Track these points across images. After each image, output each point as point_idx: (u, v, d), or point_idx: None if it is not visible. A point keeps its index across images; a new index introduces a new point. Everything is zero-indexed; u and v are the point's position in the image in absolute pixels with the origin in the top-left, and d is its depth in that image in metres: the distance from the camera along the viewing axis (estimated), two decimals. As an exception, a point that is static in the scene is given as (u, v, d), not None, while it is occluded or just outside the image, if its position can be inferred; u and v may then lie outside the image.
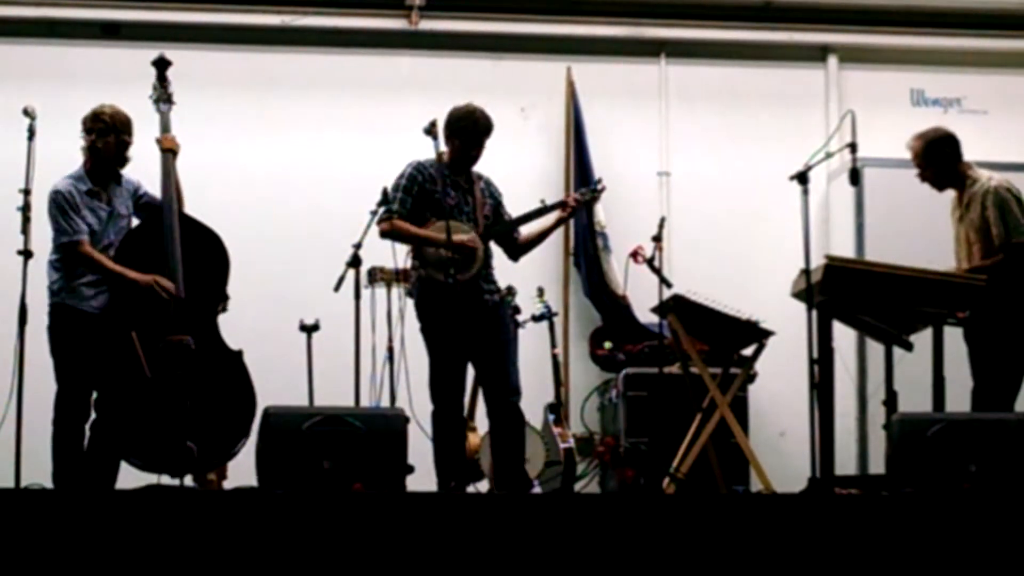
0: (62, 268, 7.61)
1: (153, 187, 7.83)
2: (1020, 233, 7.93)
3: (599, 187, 8.33)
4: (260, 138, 10.07)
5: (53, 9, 9.99)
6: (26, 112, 7.48)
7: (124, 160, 7.78)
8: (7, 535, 5.99)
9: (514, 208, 8.13)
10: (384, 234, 7.86)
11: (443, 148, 7.83)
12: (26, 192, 7.35)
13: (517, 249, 8.22)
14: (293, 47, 10.23)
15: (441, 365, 7.77)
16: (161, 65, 7.97)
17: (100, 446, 7.52)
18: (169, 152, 7.80)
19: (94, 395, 7.56)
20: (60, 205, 7.57)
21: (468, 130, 7.92)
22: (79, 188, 7.63)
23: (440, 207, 7.79)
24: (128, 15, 10.06)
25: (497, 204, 8.09)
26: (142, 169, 7.88)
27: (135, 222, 7.81)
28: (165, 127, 7.89)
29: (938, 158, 8.14)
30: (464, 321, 7.70)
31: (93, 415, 7.55)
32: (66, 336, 7.56)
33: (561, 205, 8.13)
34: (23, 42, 10.02)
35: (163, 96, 7.93)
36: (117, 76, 9.48)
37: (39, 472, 7.32)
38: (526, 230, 8.19)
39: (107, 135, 7.68)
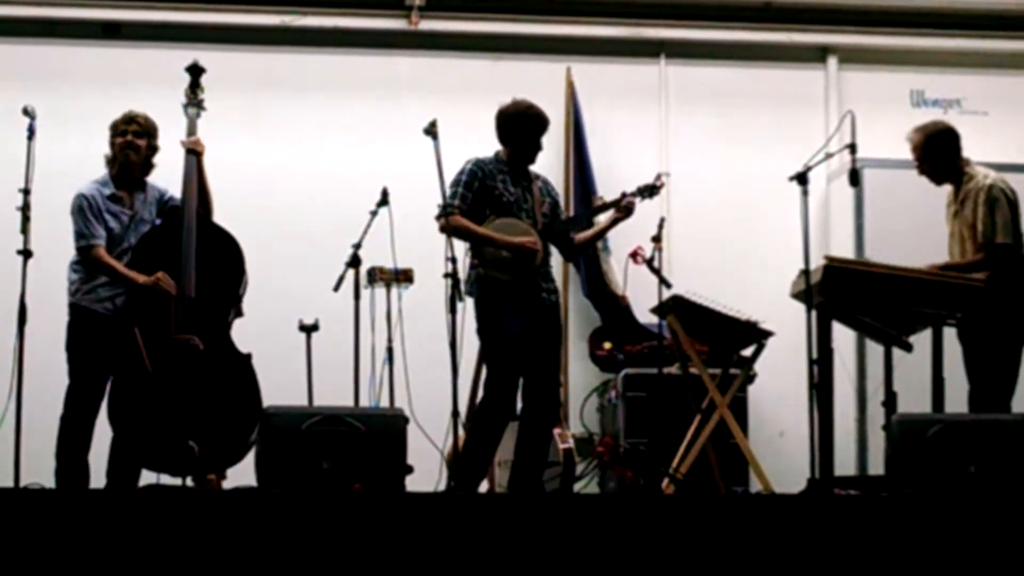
0: (81, 270, 7.67)
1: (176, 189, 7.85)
2: (1006, 234, 7.93)
3: (658, 183, 8.23)
4: (260, 138, 10.07)
5: (53, 9, 9.99)
6: (26, 112, 7.48)
7: (150, 167, 7.81)
8: (6, 535, 5.99)
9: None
10: (443, 229, 7.74)
11: (442, 150, 7.80)
12: (25, 192, 7.34)
13: (574, 250, 8.21)
14: (293, 47, 10.24)
15: (501, 365, 7.68)
16: (195, 72, 8.01)
17: (121, 453, 7.54)
18: (192, 154, 7.82)
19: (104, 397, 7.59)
20: (82, 209, 7.64)
21: (529, 125, 7.90)
22: (102, 192, 7.69)
23: (500, 204, 7.79)
24: (128, 15, 10.06)
25: (555, 204, 8.06)
26: (164, 172, 7.87)
27: None
28: (191, 130, 7.92)
29: (937, 152, 8.13)
30: (522, 320, 7.69)
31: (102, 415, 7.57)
32: (80, 336, 7.62)
33: (617, 203, 8.05)
34: (23, 42, 10.02)
35: (193, 101, 7.98)
36: (118, 76, 9.49)
37: (38, 472, 7.32)
38: (581, 231, 8.18)
39: (141, 137, 7.73)
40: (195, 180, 7.79)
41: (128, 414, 7.47)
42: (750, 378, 9.02)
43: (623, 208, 8.01)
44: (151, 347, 7.50)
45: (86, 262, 7.65)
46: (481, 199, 7.80)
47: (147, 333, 7.52)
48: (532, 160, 7.98)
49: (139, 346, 7.49)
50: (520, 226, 7.80)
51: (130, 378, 7.49)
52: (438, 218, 7.74)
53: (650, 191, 8.17)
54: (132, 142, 7.73)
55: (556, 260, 9.89)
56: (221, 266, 7.76)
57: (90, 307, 7.63)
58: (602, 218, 8.16)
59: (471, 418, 8.96)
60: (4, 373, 7.28)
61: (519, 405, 7.84)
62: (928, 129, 8.17)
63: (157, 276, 7.56)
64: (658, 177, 8.25)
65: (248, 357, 7.71)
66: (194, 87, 8.01)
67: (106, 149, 7.82)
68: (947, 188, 8.22)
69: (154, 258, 7.63)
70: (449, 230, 7.71)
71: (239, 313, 7.85)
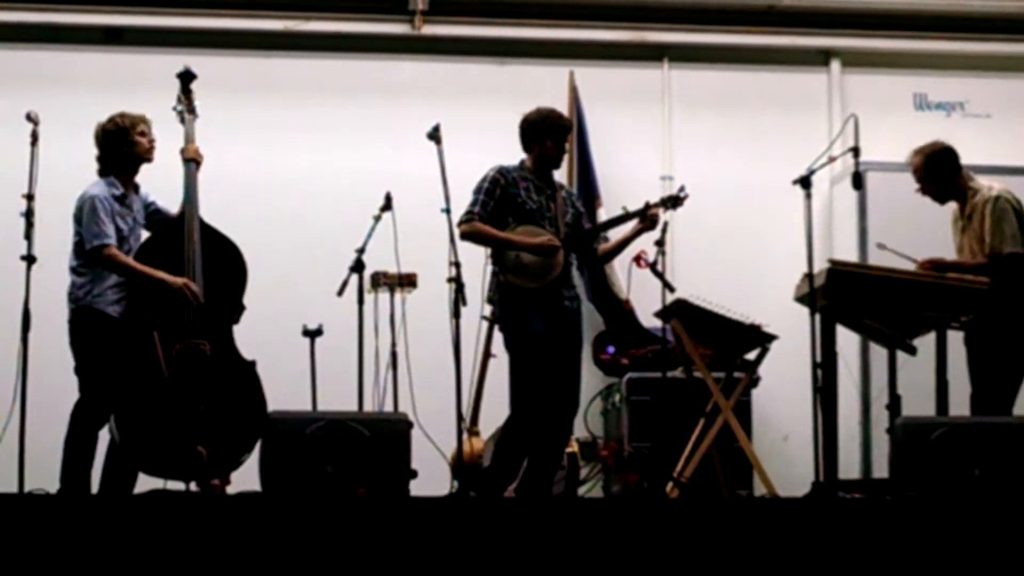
0: (88, 272, 7.54)
1: (171, 196, 7.82)
2: (1015, 243, 7.92)
3: (682, 195, 8.23)
4: (263, 143, 10.06)
5: (56, 14, 9.98)
6: (29, 117, 7.48)
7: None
8: (11, 540, 5.99)
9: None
10: (464, 235, 7.77)
11: (446, 154, 7.80)
12: (29, 197, 7.34)
13: (597, 260, 8.20)
14: (296, 52, 10.23)
15: (528, 369, 7.68)
16: (186, 78, 7.98)
17: (118, 458, 7.49)
18: (192, 162, 7.81)
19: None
20: (96, 210, 7.49)
21: (553, 130, 7.91)
22: (113, 194, 7.60)
23: (523, 211, 7.80)
24: (131, 20, 10.05)
25: (578, 215, 8.07)
26: (158, 178, 7.86)
27: (144, 233, 7.80)
28: (189, 138, 7.89)
29: (938, 172, 8.13)
30: (545, 326, 7.69)
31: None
32: (93, 340, 7.48)
33: (642, 213, 8.02)
34: (26, 47, 10.02)
35: (188, 107, 7.94)
36: (120, 81, 9.50)
37: (42, 477, 7.31)
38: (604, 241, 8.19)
39: (146, 134, 7.69)
40: (197, 189, 7.76)
41: (139, 420, 7.43)
42: (754, 382, 9.00)
43: (648, 220, 8.00)
44: (165, 353, 7.47)
45: (99, 262, 7.47)
46: (503, 207, 7.81)
47: (162, 339, 7.49)
48: (556, 166, 8.00)
49: (157, 351, 7.45)
50: (541, 233, 7.80)
51: (143, 383, 7.45)
52: (459, 224, 7.74)
53: (674, 202, 8.20)
54: (154, 143, 7.72)
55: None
56: (223, 272, 7.73)
57: (103, 310, 7.50)
58: (626, 229, 8.14)
59: (474, 421, 8.99)
60: (8, 379, 7.28)
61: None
62: (926, 151, 8.16)
63: (186, 281, 7.53)
64: (682, 188, 8.25)
65: (253, 364, 7.71)
66: (188, 93, 7.98)
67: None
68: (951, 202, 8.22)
69: (157, 266, 7.57)
70: (470, 236, 7.72)
71: (238, 319, 7.84)
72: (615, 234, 8.22)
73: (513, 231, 7.78)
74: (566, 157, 10.06)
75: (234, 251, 7.80)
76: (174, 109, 7.92)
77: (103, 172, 7.69)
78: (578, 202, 8.18)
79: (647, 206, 8.06)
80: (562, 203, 7.97)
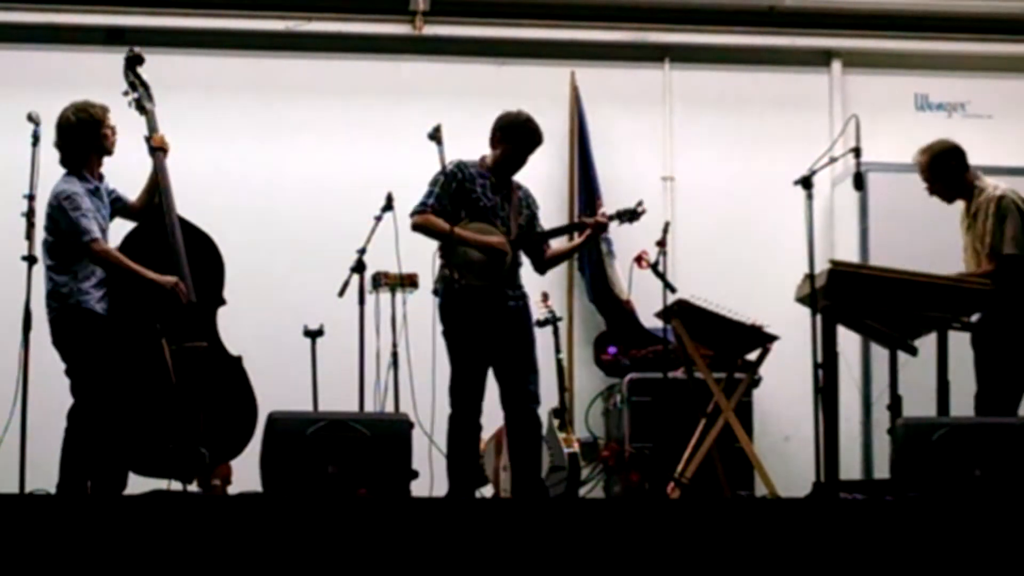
0: (68, 271, 7.45)
1: (138, 187, 7.81)
2: (1014, 245, 7.89)
3: (640, 209, 8.18)
4: (264, 143, 10.07)
5: (57, 15, 9.99)
6: (30, 118, 7.47)
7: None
8: (12, 541, 5.99)
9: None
10: (416, 227, 7.78)
11: (446, 154, 7.80)
12: (30, 198, 7.33)
13: (544, 262, 8.21)
14: (297, 52, 10.24)
15: (463, 369, 7.71)
16: (136, 61, 7.92)
17: (109, 454, 7.46)
18: (161, 151, 7.75)
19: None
20: (78, 206, 7.39)
21: (524, 137, 7.90)
22: (88, 188, 7.54)
23: (476, 207, 7.79)
24: (132, 21, 10.04)
25: (532, 216, 8.07)
26: (127, 171, 7.85)
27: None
28: (155, 127, 7.83)
29: (944, 171, 8.11)
30: (487, 325, 7.69)
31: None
32: (82, 339, 7.40)
33: (589, 224, 8.06)
34: (27, 48, 10.03)
35: (145, 94, 7.88)
36: (121, 82, 9.46)
37: (43, 478, 7.31)
38: (555, 244, 8.19)
39: (111, 126, 7.63)
40: (169, 179, 7.72)
41: (139, 422, 7.41)
42: (755, 382, 9.00)
43: (595, 225, 8.03)
44: (163, 354, 7.47)
45: (91, 258, 7.39)
46: (458, 201, 7.79)
47: (156, 338, 7.48)
48: (513, 172, 7.98)
49: (166, 358, 7.44)
50: (493, 231, 7.80)
51: (150, 389, 7.43)
52: (411, 215, 7.77)
53: (630, 216, 8.19)
54: (110, 135, 7.61)
55: (561, 265, 9.98)
56: (204, 266, 7.71)
57: (90, 308, 7.41)
58: (576, 235, 8.18)
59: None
60: (9, 379, 7.28)
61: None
62: (934, 149, 8.13)
63: (177, 279, 7.52)
64: (639, 203, 8.22)
65: (240, 359, 7.71)
66: (140, 77, 7.92)
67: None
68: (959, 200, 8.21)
69: (143, 263, 7.52)
70: (421, 228, 7.74)
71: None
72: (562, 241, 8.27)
73: (465, 227, 7.76)
74: (566, 157, 10.16)
75: (209, 243, 7.77)
76: (126, 95, 7.84)
77: (70, 165, 7.56)
78: (535, 204, 8.13)
79: (602, 215, 8.16)
80: (517, 203, 7.96)
